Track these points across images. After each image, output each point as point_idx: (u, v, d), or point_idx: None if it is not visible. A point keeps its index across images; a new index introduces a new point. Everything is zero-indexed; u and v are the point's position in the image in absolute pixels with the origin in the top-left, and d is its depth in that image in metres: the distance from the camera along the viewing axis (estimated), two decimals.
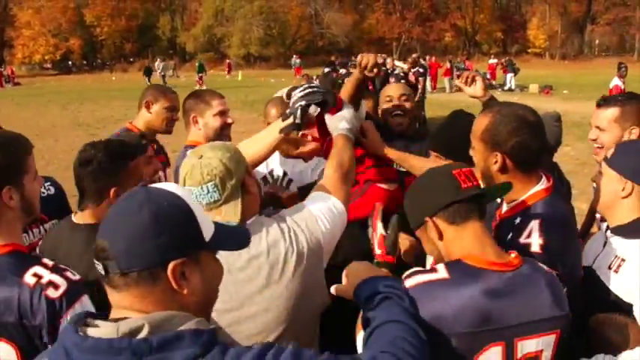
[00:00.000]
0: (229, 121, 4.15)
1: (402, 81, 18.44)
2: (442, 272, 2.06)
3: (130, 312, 1.49)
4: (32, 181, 2.32)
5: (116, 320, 1.46)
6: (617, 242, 2.63)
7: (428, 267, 2.48)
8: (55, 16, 72.21)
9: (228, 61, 61.23)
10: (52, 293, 2.11)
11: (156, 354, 1.40)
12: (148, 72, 44.50)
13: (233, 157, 2.30)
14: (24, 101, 30.32)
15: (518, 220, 2.54)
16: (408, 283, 2.05)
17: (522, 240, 2.45)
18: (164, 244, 1.50)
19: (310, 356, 1.54)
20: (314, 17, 79.66)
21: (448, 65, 35.12)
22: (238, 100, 28.27)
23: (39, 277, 2.12)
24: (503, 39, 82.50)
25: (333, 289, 2.14)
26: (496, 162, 2.54)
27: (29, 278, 2.11)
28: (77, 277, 2.21)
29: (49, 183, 3.46)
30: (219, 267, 1.68)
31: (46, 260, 2.23)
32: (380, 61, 2.98)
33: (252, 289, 2.26)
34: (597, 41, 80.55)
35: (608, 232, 2.71)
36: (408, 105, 3.87)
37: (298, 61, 54.26)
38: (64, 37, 72.88)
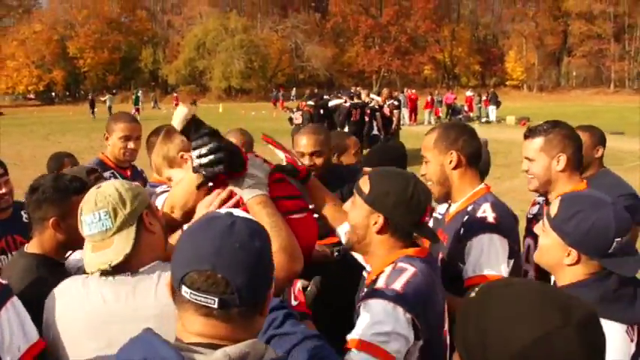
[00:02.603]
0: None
1: (377, 113, 18.35)
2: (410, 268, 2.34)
3: (219, 341, 1.48)
4: None
5: (210, 346, 1.46)
6: None
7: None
8: (39, 48, 72.48)
9: (175, 94, 60.10)
10: None
11: None
12: (92, 105, 43.83)
13: (131, 189, 2.23)
14: (6, 131, 30.08)
15: (470, 208, 3.00)
16: (396, 285, 2.25)
17: (478, 215, 2.93)
18: (270, 274, 1.57)
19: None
20: (294, 50, 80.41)
21: (429, 98, 35.66)
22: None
23: None
24: (482, 71, 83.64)
25: None
26: (451, 161, 3.03)
27: None
28: (5, 282, 2.34)
29: None
30: None
31: None
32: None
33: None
34: (574, 73, 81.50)
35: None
36: (319, 162, 3.77)
37: (282, 94, 56.01)
38: (48, 69, 72.99)
